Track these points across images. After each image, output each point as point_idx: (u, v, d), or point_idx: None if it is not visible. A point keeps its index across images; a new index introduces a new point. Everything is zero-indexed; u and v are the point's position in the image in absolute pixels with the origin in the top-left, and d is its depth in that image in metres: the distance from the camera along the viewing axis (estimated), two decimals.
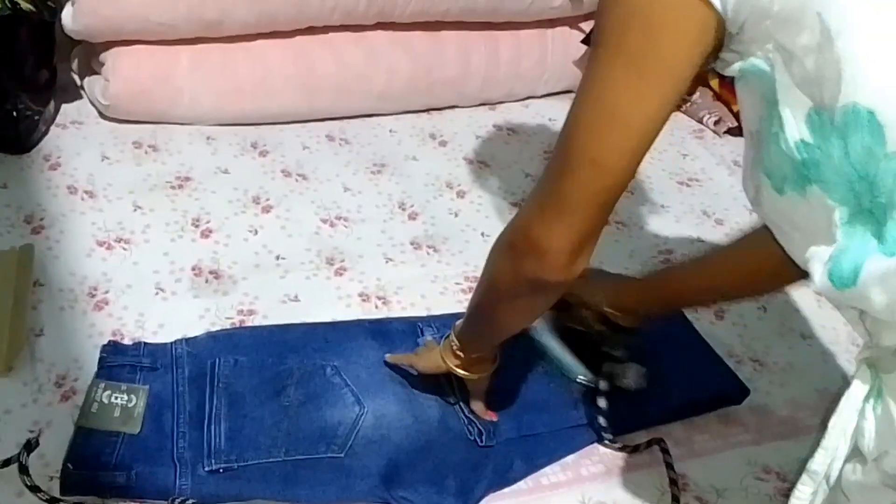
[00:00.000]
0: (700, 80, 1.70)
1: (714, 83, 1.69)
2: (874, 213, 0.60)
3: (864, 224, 0.61)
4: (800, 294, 1.26)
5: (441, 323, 1.10)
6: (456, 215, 1.37)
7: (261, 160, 1.42)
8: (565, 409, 1.05)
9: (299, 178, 1.39)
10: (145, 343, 1.02)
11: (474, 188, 1.44)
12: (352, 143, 1.50)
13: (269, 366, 1.01)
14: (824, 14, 0.58)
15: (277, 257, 1.22)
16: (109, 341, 1.02)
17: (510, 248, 0.76)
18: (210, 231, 1.25)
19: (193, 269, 1.17)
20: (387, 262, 1.24)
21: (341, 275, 1.21)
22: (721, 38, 0.63)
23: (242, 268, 1.19)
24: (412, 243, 1.29)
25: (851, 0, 0.58)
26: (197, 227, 1.25)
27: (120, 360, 0.98)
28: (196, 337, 1.03)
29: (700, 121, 1.69)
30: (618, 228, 1.38)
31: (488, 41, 1.63)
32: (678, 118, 1.71)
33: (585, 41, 1.65)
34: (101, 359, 0.98)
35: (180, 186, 1.32)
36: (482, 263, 1.23)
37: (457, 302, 1.18)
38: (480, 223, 1.35)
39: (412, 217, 1.35)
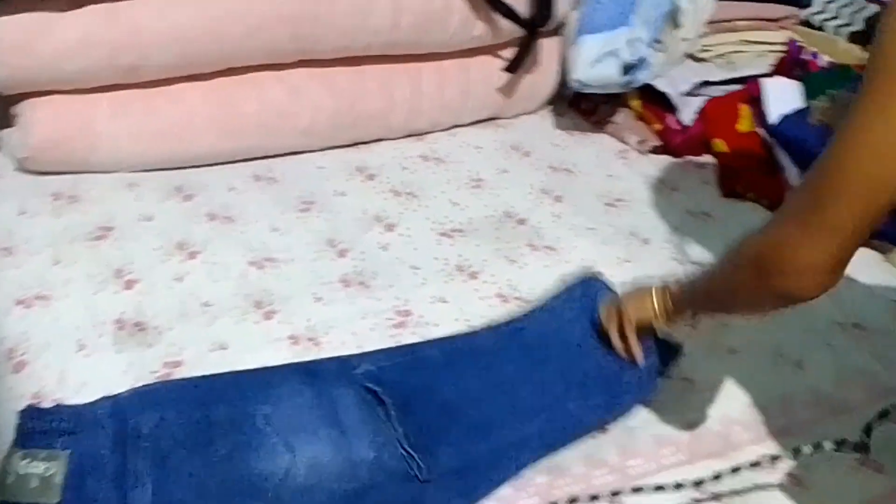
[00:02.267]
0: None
1: (636, 104, 1.69)
2: None
3: None
4: None
5: (374, 359, 1.07)
6: (385, 249, 1.34)
7: (186, 205, 1.37)
8: (513, 423, 1.01)
9: (225, 220, 1.35)
10: (66, 405, 0.97)
11: (403, 220, 1.41)
12: (279, 182, 1.47)
13: (195, 419, 0.96)
14: None
15: (204, 304, 1.17)
16: (28, 405, 0.96)
17: (758, 266, 0.77)
18: (134, 281, 1.20)
19: (117, 322, 1.12)
20: (316, 301, 1.21)
21: (270, 318, 1.17)
22: None
23: (168, 317, 1.14)
24: (342, 280, 1.26)
25: None
26: (120, 277, 1.20)
27: (39, 426, 0.93)
28: (119, 395, 0.98)
29: (623, 141, 1.69)
30: (546, 253, 1.36)
31: (411, 73, 1.61)
32: (603, 139, 1.71)
33: (508, 69, 1.64)
34: (18, 425, 0.93)
35: (102, 237, 1.27)
36: (412, 297, 1.23)
37: (389, 337, 1.15)
38: (409, 255, 1.33)
39: (342, 254, 1.31)
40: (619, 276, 1.18)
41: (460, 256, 1.34)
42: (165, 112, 1.41)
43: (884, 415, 0.91)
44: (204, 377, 1.03)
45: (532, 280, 1.28)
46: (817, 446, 0.91)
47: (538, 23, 1.60)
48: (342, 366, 1.07)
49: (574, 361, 1.08)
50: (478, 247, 1.36)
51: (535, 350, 1.10)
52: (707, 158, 1.65)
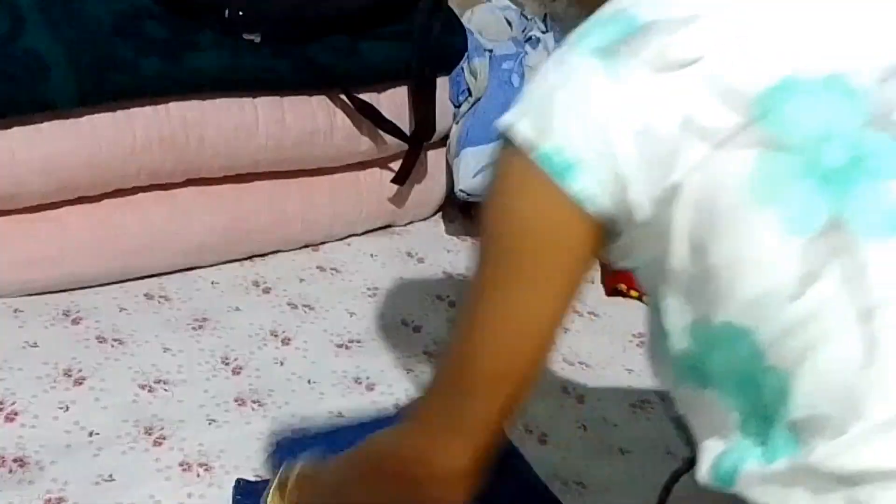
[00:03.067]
0: None
1: None
2: (761, 420, 0.60)
3: (754, 427, 0.60)
4: (617, 409, 1.28)
5: None
6: (282, 364, 1.33)
7: (74, 329, 1.33)
8: None
9: (115, 343, 1.31)
10: None
11: (300, 333, 1.40)
12: (172, 300, 1.44)
13: None
14: (696, 232, 0.59)
15: (90, 433, 1.13)
16: None
17: (395, 478, 0.70)
18: (15, 413, 1.15)
19: None
20: (209, 423, 1.18)
21: (160, 444, 1.13)
22: (608, 236, 0.63)
23: (51, 450, 1.09)
24: (236, 400, 1.23)
25: (723, 217, 0.58)
26: (1, 410, 1.15)
27: None
28: None
29: None
30: None
31: (302, 187, 1.62)
32: None
33: (396, 180, 1.68)
34: None
35: None
36: (309, 413, 1.22)
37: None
38: (306, 370, 1.32)
39: (236, 371, 1.29)
40: None
41: (358, 368, 1.33)
42: (47, 237, 1.38)
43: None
44: None
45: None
46: None
47: (421, 137, 1.65)
48: None
49: None
50: (375, 357, 1.36)
51: None
52: None
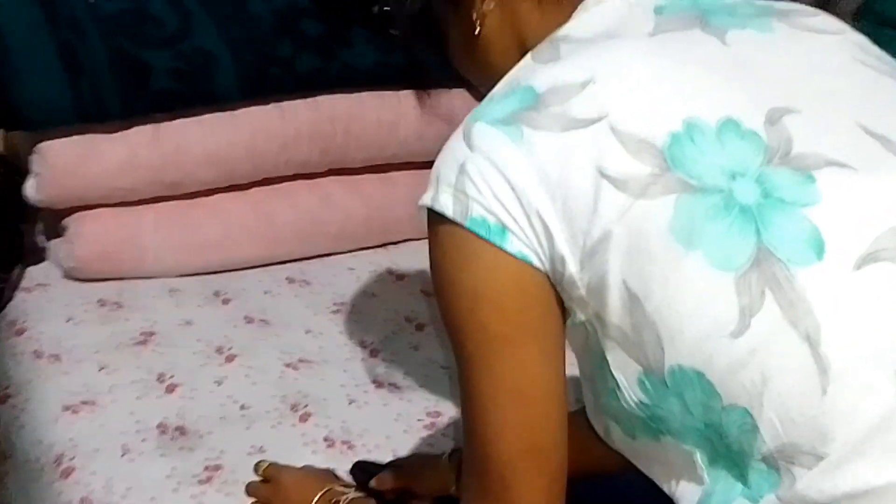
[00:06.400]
0: None
1: None
2: (732, 458, 0.59)
3: (726, 467, 0.59)
4: None
5: None
6: (416, 349, 1.35)
7: (224, 308, 1.40)
8: None
9: (262, 323, 1.37)
10: None
11: (435, 321, 1.43)
12: (312, 285, 1.49)
13: None
14: (629, 281, 0.59)
15: (242, 407, 1.19)
16: None
17: None
18: (175, 386, 1.22)
19: (159, 426, 1.14)
20: (350, 403, 1.22)
21: (306, 421, 1.17)
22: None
23: (208, 422, 1.15)
24: (374, 382, 1.27)
25: (652, 264, 0.58)
26: (162, 382, 1.22)
27: None
28: None
29: None
30: None
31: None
32: None
33: None
34: None
35: (144, 342, 1.29)
36: (443, 397, 1.23)
37: (420, 440, 1.15)
38: (439, 355, 1.34)
39: (373, 354, 1.33)
40: None
41: None
42: (205, 223, 1.45)
43: None
44: None
45: None
46: None
47: None
48: None
49: None
50: None
51: None
52: None
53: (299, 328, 1.37)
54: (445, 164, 0.65)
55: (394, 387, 1.26)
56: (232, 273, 1.48)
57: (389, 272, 1.56)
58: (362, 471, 1.06)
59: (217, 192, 1.47)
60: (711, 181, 0.59)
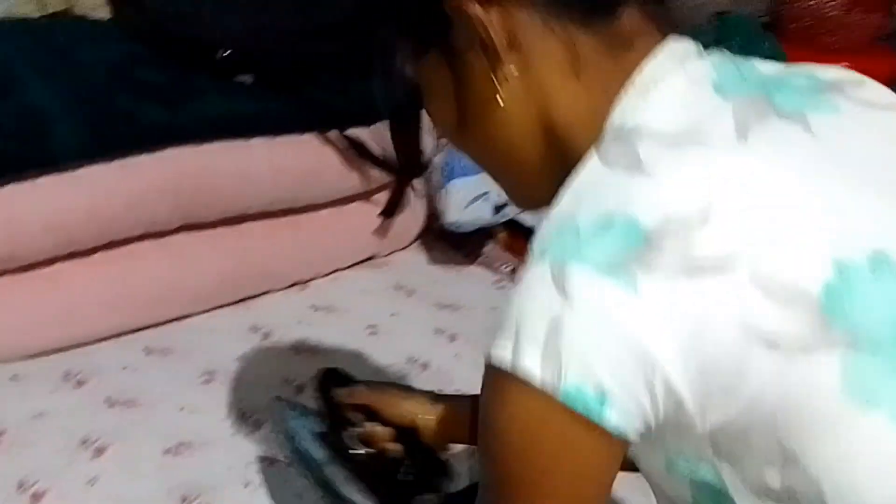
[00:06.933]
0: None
1: (502, 236, 1.75)
2: None
3: None
4: None
5: None
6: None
7: (79, 392, 1.26)
8: None
9: (127, 405, 1.25)
10: None
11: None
12: (174, 353, 1.38)
13: None
14: (786, 440, 0.53)
15: None
16: None
17: None
18: (42, 493, 1.07)
19: None
20: (246, 486, 1.14)
21: None
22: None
23: None
24: (265, 459, 1.19)
25: (818, 424, 0.52)
26: (25, 491, 1.07)
27: None
28: None
29: (497, 271, 1.74)
30: None
31: (290, 225, 1.59)
32: (476, 272, 1.75)
33: (385, 213, 1.65)
34: None
35: None
36: None
37: None
38: None
39: (257, 426, 1.25)
40: None
41: None
42: (46, 296, 1.30)
43: None
44: None
45: None
46: None
47: (412, 171, 1.63)
48: None
49: None
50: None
51: None
52: None
53: (171, 406, 1.26)
54: (529, 315, 0.53)
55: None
56: (81, 349, 1.34)
57: (254, 329, 1.48)
58: (333, 378, 1.00)
59: (57, 261, 1.32)
60: (878, 332, 0.52)
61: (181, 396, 1.28)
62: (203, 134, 1.39)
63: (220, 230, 1.49)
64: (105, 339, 1.36)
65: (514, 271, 1.73)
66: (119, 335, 1.38)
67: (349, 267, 1.70)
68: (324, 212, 1.63)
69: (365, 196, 1.68)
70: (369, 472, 0.91)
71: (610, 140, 0.58)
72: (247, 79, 1.43)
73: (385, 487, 0.90)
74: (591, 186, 0.56)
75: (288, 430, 0.96)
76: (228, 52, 1.41)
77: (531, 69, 0.61)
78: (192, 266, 1.45)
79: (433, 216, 1.77)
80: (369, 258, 1.74)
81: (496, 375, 0.55)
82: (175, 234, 1.44)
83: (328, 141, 1.54)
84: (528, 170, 0.66)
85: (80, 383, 1.27)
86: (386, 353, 1.45)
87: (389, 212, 1.68)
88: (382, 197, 1.68)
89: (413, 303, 1.63)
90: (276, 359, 1.40)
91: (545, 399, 0.52)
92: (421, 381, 1.39)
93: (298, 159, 1.52)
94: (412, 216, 1.77)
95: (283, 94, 1.47)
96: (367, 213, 1.69)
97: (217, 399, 1.29)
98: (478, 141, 0.67)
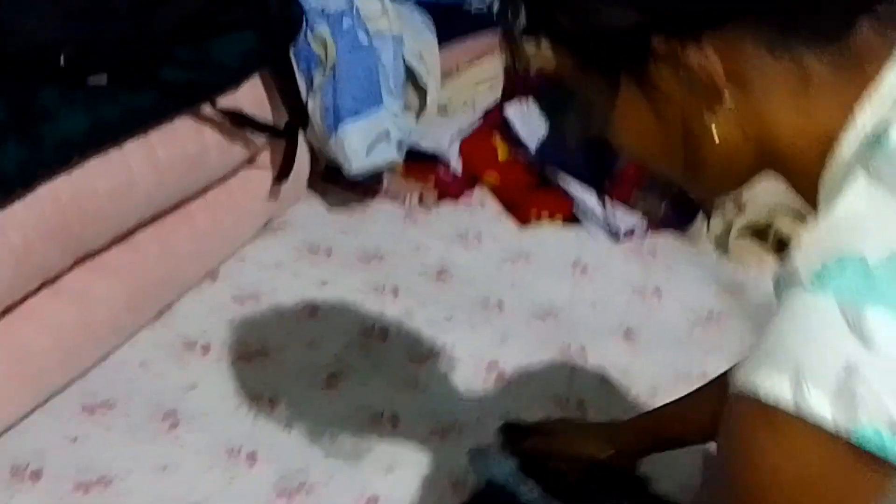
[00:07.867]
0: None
1: (396, 167, 1.66)
2: None
3: None
4: None
5: None
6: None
7: (38, 487, 1.10)
8: None
9: (101, 483, 1.11)
10: None
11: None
12: (116, 406, 1.23)
13: None
14: None
15: None
16: None
17: None
18: None
19: None
20: None
21: None
22: None
23: None
24: None
25: None
26: None
27: None
28: None
29: (403, 204, 1.67)
30: None
31: (183, 218, 1.42)
32: (383, 209, 1.66)
33: (279, 177, 1.53)
34: None
35: None
36: None
37: None
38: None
39: (251, 459, 1.16)
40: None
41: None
42: None
43: None
44: None
45: None
46: None
47: (297, 126, 1.49)
48: None
49: None
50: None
51: None
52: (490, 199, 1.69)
53: (147, 469, 1.14)
54: (817, 355, 0.51)
55: None
56: (14, 430, 1.16)
57: (189, 347, 1.34)
58: (512, 432, 1.11)
59: None
60: None
61: (152, 455, 1.16)
62: (69, 157, 1.18)
63: (114, 251, 1.31)
64: (32, 411, 1.19)
65: (420, 200, 1.67)
66: (46, 401, 1.21)
67: (251, 241, 1.57)
68: (213, 192, 1.47)
69: (248, 163, 1.54)
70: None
71: (880, 159, 0.54)
72: (101, 79, 1.21)
73: None
74: (874, 214, 0.53)
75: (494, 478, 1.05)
76: (72, 50, 1.18)
77: (751, 98, 0.58)
78: (97, 302, 1.27)
79: (317, 160, 1.65)
80: (267, 223, 1.61)
81: (767, 410, 0.52)
82: (70, 272, 1.25)
83: (203, 119, 1.36)
84: (726, 177, 0.64)
85: (36, 475, 1.12)
86: (333, 332, 1.38)
87: (286, 173, 1.55)
88: (263, 158, 1.55)
89: (336, 264, 1.53)
90: (229, 377, 1.30)
91: (834, 440, 0.51)
92: (384, 354, 1.35)
93: (178, 147, 1.33)
94: (299, 168, 1.63)
95: (142, 85, 1.26)
96: (255, 179, 1.56)
97: (188, 444, 1.18)
98: (676, 161, 0.63)
